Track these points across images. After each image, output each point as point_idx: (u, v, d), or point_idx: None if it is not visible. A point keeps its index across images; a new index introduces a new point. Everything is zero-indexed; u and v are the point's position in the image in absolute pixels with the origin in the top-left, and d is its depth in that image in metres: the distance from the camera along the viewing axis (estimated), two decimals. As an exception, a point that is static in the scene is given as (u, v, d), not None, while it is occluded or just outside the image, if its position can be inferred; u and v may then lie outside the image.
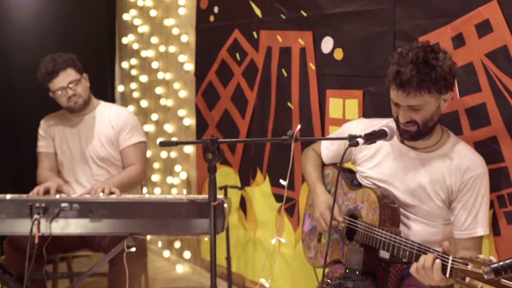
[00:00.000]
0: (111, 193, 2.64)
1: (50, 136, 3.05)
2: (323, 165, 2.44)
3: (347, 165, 2.49)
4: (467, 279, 1.60)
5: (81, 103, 2.95)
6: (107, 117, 3.05)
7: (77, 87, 2.90)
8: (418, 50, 1.91)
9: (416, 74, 1.86)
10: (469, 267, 1.60)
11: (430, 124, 1.99)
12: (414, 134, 2.01)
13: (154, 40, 4.08)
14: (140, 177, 3.06)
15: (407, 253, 1.87)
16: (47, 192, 2.64)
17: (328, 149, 2.38)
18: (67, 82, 2.87)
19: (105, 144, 3.01)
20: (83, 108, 2.98)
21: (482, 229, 1.99)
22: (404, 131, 2.01)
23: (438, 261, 1.71)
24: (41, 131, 3.08)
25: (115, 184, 2.75)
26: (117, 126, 3.03)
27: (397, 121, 2.03)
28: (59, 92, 2.89)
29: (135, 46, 4.31)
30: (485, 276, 1.39)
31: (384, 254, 2.11)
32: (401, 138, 2.08)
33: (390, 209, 2.05)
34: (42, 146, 3.06)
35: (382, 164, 2.16)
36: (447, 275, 1.68)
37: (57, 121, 3.06)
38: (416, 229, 2.09)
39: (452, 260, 1.67)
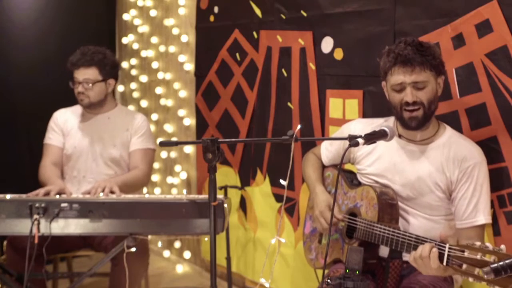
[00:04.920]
0: (112, 192, 2.63)
1: (60, 131, 3.04)
2: (323, 167, 2.45)
3: (347, 166, 2.49)
4: (464, 266, 1.61)
5: (86, 103, 2.96)
6: (123, 120, 3.06)
7: (89, 87, 2.92)
8: (407, 38, 2.03)
9: (417, 52, 1.98)
10: (466, 254, 1.61)
11: (432, 107, 2.03)
12: (421, 120, 2.02)
13: (154, 40, 4.08)
14: (143, 181, 3.05)
15: (406, 245, 1.88)
16: (47, 195, 2.63)
17: (327, 151, 2.40)
18: (83, 79, 2.90)
19: (118, 145, 3.02)
20: (90, 108, 3.00)
21: (483, 217, 2.00)
22: (411, 118, 2.02)
23: (435, 249, 1.73)
24: (52, 123, 3.07)
25: (117, 183, 2.74)
26: (132, 129, 3.04)
27: (401, 110, 2.03)
28: (75, 84, 2.94)
29: (135, 46, 4.31)
30: (485, 276, 1.40)
31: (384, 253, 2.11)
32: (407, 129, 2.08)
33: (389, 206, 2.06)
34: (51, 138, 3.04)
35: (381, 159, 2.17)
36: (444, 262, 1.70)
37: (70, 116, 3.07)
38: (416, 224, 2.10)
39: (449, 248, 1.69)
